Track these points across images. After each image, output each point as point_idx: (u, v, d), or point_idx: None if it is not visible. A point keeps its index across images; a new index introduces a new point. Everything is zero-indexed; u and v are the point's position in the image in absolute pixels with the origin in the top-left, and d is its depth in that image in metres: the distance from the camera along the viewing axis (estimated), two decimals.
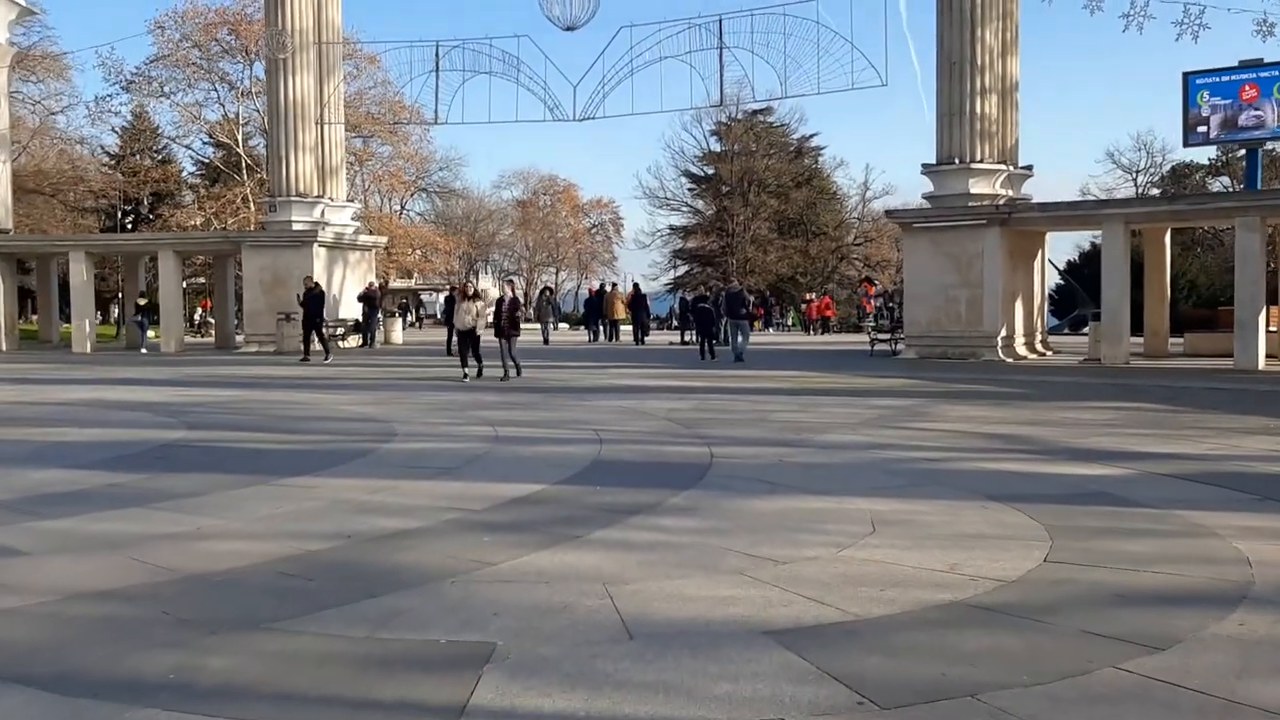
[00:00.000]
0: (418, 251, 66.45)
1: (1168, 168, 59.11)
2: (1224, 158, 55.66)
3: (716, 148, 67.86)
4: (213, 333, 37.68)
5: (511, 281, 21.02)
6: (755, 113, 65.59)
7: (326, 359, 23.95)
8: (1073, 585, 5.63)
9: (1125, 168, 58.52)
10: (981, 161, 23.44)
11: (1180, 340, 25.33)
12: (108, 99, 54.95)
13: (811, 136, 68.85)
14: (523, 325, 19.73)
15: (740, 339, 23.93)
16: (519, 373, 18.59)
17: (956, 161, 23.47)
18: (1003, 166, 23.77)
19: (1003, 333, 23.02)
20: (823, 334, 42.14)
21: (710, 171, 68.28)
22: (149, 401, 15.58)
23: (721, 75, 24.80)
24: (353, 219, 33.04)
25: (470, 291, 18.99)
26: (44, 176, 49.77)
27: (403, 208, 71.59)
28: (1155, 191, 54.38)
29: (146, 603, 5.47)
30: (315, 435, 11.93)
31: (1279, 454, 10.08)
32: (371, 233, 43.52)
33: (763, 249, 65.22)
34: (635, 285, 41.68)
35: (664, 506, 7.74)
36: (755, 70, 25.77)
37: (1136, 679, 4.26)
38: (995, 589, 5.57)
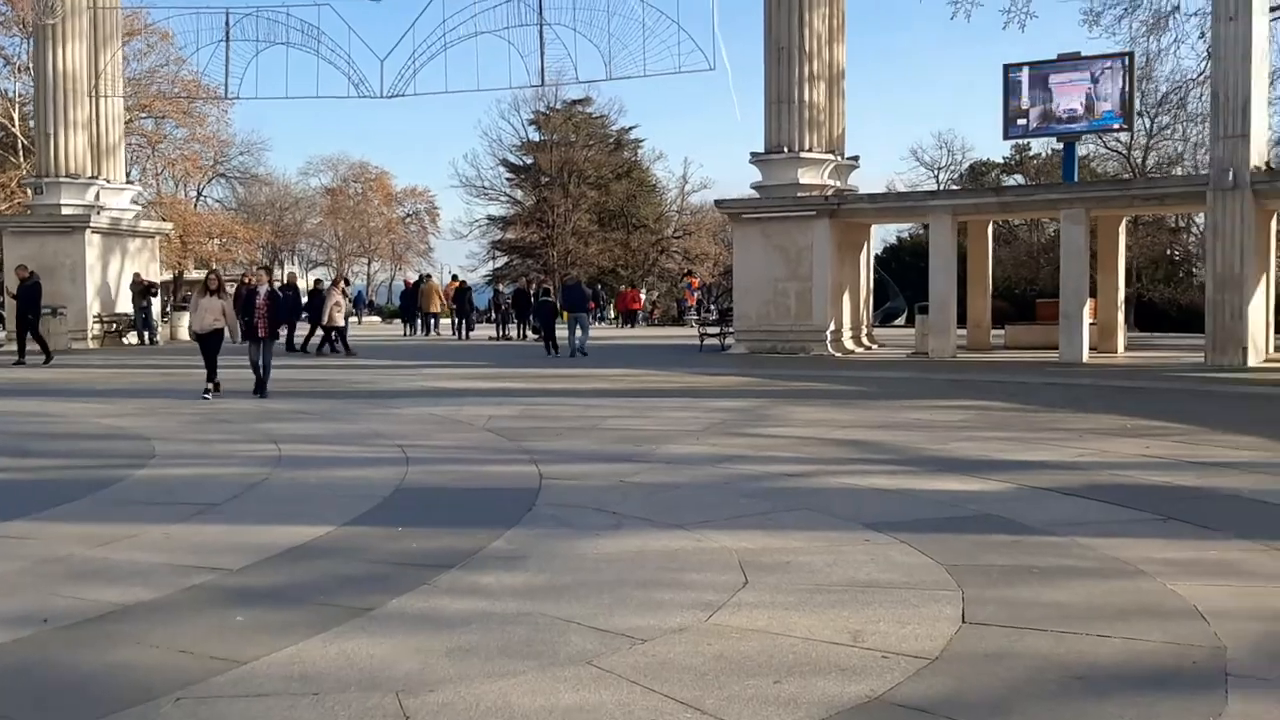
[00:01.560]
0: (215, 240, 62.13)
1: (966, 166, 61.49)
2: (1018, 156, 58.24)
3: (535, 137, 66.17)
4: None
5: (267, 269, 16.71)
6: (574, 102, 64.46)
7: (47, 361, 20.71)
8: (1013, 661, 4.39)
9: (928, 165, 60.57)
10: (810, 151, 22.72)
11: (1001, 332, 25.36)
12: None
13: (631, 129, 68.13)
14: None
15: (580, 333, 23.01)
16: (264, 390, 14.74)
17: (785, 150, 22.67)
18: (831, 156, 23.14)
19: (831, 327, 22.38)
20: (630, 327, 41.37)
21: (529, 161, 66.53)
22: None
23: (542, 54, 23.25)
24: (134, 203, 29.79)
25: (214, 285, 14.78)
26: None
27: (200, 194, 66.90)
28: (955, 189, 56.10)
29: None
30: (49, 459, 9.76)
31: (1151, 460, 9.33)
32: (164, 219, 39.82)
33: (584, 241, 63.99)
34: (454, 277, 39.66)
35: (484, 555, 6.16)
36: (578, 50, 24.38)
37: None
38: (919, 671, 4.27)
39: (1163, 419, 12.01)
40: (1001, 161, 59.33)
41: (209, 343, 14.59)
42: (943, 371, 18.60)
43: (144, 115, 56.63)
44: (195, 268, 65.09)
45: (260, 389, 14.76)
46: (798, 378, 17.34)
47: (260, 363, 14.83)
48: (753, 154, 23.33)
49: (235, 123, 71.09)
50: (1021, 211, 23.49)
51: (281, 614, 5.06)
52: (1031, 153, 56.86)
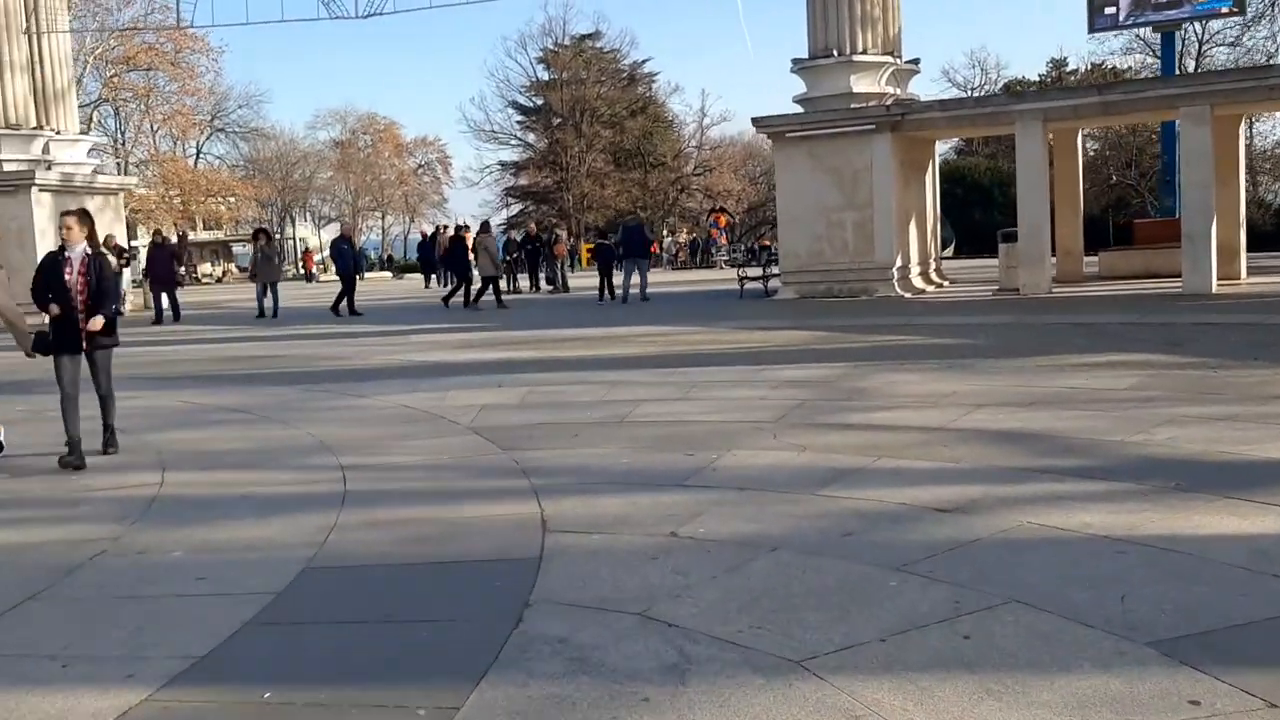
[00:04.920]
0: (217, 199, 59.10)
1: (1000, 86, 57.42)
2: (1054, 73, 54.03)
3: (545, 76, 62.43)
4: None
5: (74, 217, 7.08)
6: (584, 37, 61.05)
7: None
8: None
9: (960, 86, 56.48)
10: (864, 53, 19.09)
11: (1092, 259, 21.76)
12: None
13: (644, 62, 64.30)
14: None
15: (639, 278, 21.03)
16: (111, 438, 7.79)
17: (835, 54, 19.04)
18: (889, 58, 19.48)
19: (898, 263, 18.91)
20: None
21: (539, 102, 62.88)
22: None
23: None
24: (92, 155, 26.48)
25: None
26: None
27: (199, 151, 63.74)
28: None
29: None
30: None
31: None
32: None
33: (600, 183, 60.38)
34: (465, 226, 36.39)
35: None
36: None
37: None
38: None
39: None
40: (1038, 80, 55.27)
41: None
42: (1049, 312, 15.11)
43: (129, 69, 53.56)
44: (204, 228, 62.45)
45: (105, 441, 7.72)
46: (874, 329, 13.93)
47: (100, 391, 7.63)
48: (795, 61, 19.70)
49: (229, 74, 67.67)
50: (1130, 112, 19.67)
51: None
52: (1070, 68, 53.01)
